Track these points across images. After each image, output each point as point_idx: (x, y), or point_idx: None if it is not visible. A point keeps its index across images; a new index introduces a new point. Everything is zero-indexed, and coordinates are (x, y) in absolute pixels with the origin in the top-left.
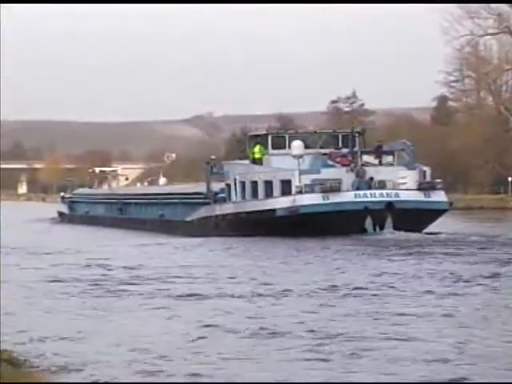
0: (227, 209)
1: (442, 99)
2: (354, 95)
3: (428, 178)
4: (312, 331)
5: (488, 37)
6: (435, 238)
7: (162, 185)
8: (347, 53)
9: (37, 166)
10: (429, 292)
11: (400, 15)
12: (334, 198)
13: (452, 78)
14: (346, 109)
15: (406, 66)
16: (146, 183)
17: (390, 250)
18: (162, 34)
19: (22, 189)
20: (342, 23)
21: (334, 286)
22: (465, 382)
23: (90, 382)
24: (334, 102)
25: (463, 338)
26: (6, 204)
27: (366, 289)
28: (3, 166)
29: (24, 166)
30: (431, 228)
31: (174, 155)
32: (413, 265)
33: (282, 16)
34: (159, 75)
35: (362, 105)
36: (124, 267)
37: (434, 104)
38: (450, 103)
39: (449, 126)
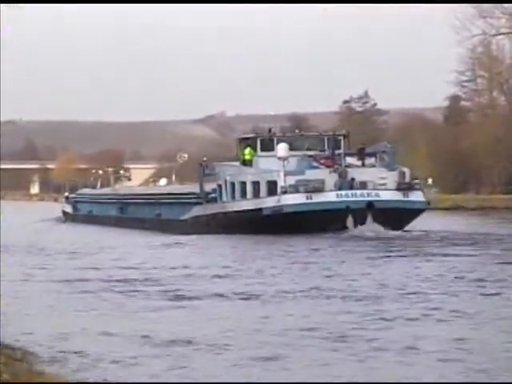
0: (218, 208)
1: (455, 99)
2: (366, 95)
3: (407, 179)
4: (319, 333)
5: (500, 36)
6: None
7: (162, 185)
8: (359, 53)
9: (49, 166)
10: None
11: (412, 15)
12: (317, 198)
13: (464, 78)
14: (359, 109)
15: (418, 65)
16: (158, 183)
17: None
18: (174, 34)
19: (35, 189)
20: (354, 23)
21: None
22: (465, 382)
23: (102, 381)
24: (346, 101)
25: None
26: (18, 204)
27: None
28: (16, 166)
29: (37, 166)
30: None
31: (186, 155)
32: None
33: (295, 15)
34: (171, 74)
35: (375, 104)
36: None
37: (446, 104)
38: (463, 103)
39: (461, 125)
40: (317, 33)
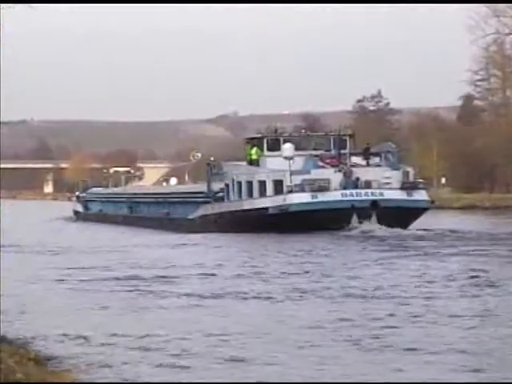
0: (225, 207)
1: (468, 98)
2: (379, 94)
3: (411, 179)
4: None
5: None
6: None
7: (173, 185)
8: (373, 52)
9: (63, 165)
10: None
11: (425, 14)
12: (322, 197)
13: (478, 77)
14: (372, 108)
15: (431, 64)
16: (169, 182)
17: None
18: (188, 34)
19: (49, 188)
20: (368, 22)
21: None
22: (464, 382)
23: (115, 382)
24: (359, 101)
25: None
26: (31, 203)
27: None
28: (29, 165)
29: (50, 165)
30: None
31: (199, 154)
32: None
33: (309, 14)
34: (184, 74)
35: (388, 104)
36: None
37: (460, 103)
38: (476, 102)
39: (474, 124)
40: (331, 32)
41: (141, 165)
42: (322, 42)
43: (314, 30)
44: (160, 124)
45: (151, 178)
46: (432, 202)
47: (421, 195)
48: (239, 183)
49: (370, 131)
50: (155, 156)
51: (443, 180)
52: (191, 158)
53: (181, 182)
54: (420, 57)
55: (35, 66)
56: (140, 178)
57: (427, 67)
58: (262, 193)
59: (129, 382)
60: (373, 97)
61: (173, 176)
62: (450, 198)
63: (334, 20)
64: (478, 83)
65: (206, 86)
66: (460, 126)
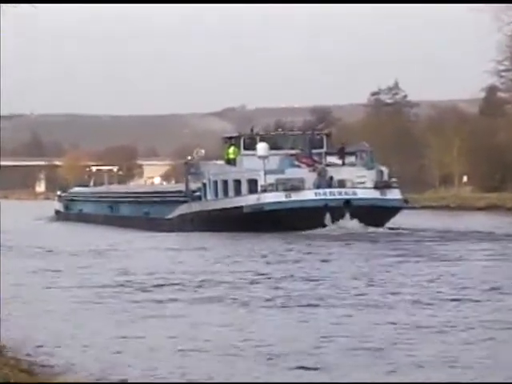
0: (202, 206)
1: (491, 90)
2: (396, 86)
3: (385, 178)
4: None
5: None
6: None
7: (156, 184)
8: (389, 42)
9: (57, 162)
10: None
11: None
12: (296, 196)
13: (502, 67)
14: (388, 100)
15: (451, 55)
16: (173, 181)
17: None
18: (193, 27)
19: (41, 187)
20: (383, 13)
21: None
22: (463, 382)
23: (115, 381)
24: (374, 93)
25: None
26: (20, 203)
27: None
28: (20, 163)
29: (43, 162)
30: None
31: (203, 151)
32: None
33: (320, 5)
34: (190, 67)
35: (405, 96)
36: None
37: (482, 95)
38: (500, 94)
39: (498, 118)
40: (344, 22)
41: (141, 162)
42: (335, 33)
43: (326, 19)
44: (163, 118)
45: (153, 176)
46: (405, 200)
47: (394, 194)
48: (215, 182)
49: (384, 125)
50: (157, 152)
51: (465, 178)
52: (194, 155)
53: (161, 181)
54: (438, 48)
55: (33, 60)
56: (139, 175)
57: (446, 59)
58: (238, 192)
59: (129, 382)
60: (390, 89)
61: (174, 175)
62: (472, 197)
63: (348, 10)
64: (503, 74)
65: (211, 78)
66: (482, 120)
